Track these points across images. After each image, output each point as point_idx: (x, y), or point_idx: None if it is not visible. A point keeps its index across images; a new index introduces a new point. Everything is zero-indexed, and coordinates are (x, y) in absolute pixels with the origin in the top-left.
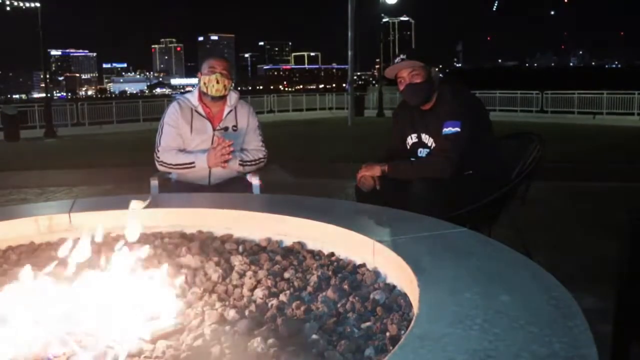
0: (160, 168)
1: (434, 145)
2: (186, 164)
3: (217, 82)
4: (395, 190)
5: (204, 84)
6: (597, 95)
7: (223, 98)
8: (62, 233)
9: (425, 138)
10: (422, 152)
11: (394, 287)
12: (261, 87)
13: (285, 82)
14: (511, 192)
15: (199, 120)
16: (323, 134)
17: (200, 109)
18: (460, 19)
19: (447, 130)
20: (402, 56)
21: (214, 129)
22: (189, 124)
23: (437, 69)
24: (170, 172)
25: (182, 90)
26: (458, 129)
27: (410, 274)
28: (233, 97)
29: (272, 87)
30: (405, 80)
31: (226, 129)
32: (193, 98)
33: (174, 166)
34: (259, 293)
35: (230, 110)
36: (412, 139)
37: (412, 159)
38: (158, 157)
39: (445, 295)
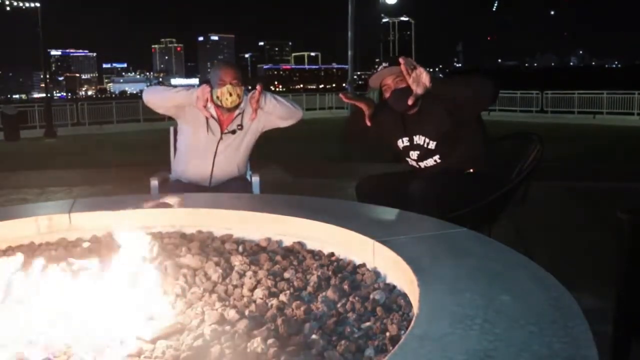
0: (145, 97)
1: (428, 142)
2: (172, 94)
3: (230, 95)
4: (395, 190)
5: (217, 97)
6: (597, 95)
7: (238, 107)
8: (62, 233)
9: (420, 139)
10: (414, 155)
11: (394, 287)
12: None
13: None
14: (511, 192)
15: (211, 120)
16: (323, 134)
17: (212, 111)
18: (460, 19)
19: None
20: (385, 64)
21: (222, 132)
22: (204, 119)
23: None
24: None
25: None
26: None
27: (410, 274)
28: (243, 101)
29: (271, 88)
30: (391, 87)
31: (234, 131)
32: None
33: (161, 93)
34: (259, 293)
35: (240, 114)
36: (403, 142)
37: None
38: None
39: (445, 295)
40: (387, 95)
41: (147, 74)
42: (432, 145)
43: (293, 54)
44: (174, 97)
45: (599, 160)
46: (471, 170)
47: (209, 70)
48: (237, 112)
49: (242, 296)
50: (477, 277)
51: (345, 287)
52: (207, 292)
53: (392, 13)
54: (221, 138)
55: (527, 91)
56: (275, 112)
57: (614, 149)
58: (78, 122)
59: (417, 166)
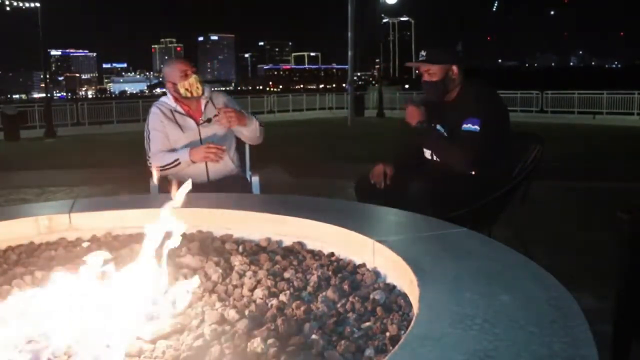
0: (155, 173)
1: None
2: (172, 163)
3: (200, 83)
4: (395, 189)
5: (186, 90)
6: (597, 95)
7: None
8: (62, 233)
9: (440, 130)
10: None
11: (394, 287)
12: (261, 87)
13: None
14: (511, 192)
15: (181, 119)
16: (323, 134)
17: (179, 108)
18: (460, 19)
19: (467, 127)
20: (423, 53)
21: (197, 124)
22: (174, 123)
23: (459, 66)
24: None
25: None
26: (477, 127)
27: (410, 274)
28: (206, 89)
29: (267, 89)
30: (424, 76)
31: (209, 120)
32: (169, 100)
33: (164, 167)
34: (259, 293)
35: (207, 102)
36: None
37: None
38: (149, 164)
39: (445, 295)
40: (423, 78)
41: (147, 74)
42: None
43: (293, 54)
44: (177, 169)
45: (599, 160)
46: (472, 172)
47: (209, 70)
48: (203, 102)
49: (242, 296)
50: (477, 277)
51: (345, 287)
52: (207, 292)
53: (392, 13)
54: (199, 130)
55: (527, 91)
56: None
57: (614, 149)
58: (78, 122)
59: (431, 157)
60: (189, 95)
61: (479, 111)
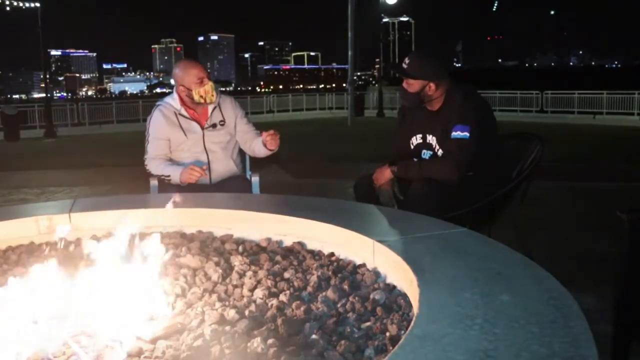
0: (148, 173)
1: (437, 146)
2: (164, 175)
3: (215, 91)
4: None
5: (201, 96)
6: (597, 95)
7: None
8: (62, 233)
9: (431, 139)
10: (425, 154)
11: (394, 287)
12: (259, 88)
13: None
14: (511, 192)
15: (185, 122)
16: (323, 134)
17: (184, 112)
18: (460, 19)
19: (456, 134)
20: (406, 61)
21: (202, 128)
22: (178, 127)
23: (438, 83)
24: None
25: None
26: (467, 134)
27: (410, 274)
28: (217, 94)
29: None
30: (403, 84)
31: (214, 125)
32: (174, 102)
33: (156, 176)
34: (259, 293)
35: (215, 107)
36: (416, 140)
37: (420, 159)
38: (145, 165)
39: (445, 295)
40: (402, 84)
41: (147, 74)
42: (439, 152)
43: (293, 54)
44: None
45: (599, 160)
46: (471, 173)
47: (209, 70)
48: (211, 107)
49: (242, 296)
50: (477, 277)
51: (345, 287)
52: (207, 292)
53: (392, 13)
54: (204, 134)
55: (527, 91)
56: (258, 146)
57: (614, 149)
58: (78, 122)
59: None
60: (202, 102)
61: (467, 118)
